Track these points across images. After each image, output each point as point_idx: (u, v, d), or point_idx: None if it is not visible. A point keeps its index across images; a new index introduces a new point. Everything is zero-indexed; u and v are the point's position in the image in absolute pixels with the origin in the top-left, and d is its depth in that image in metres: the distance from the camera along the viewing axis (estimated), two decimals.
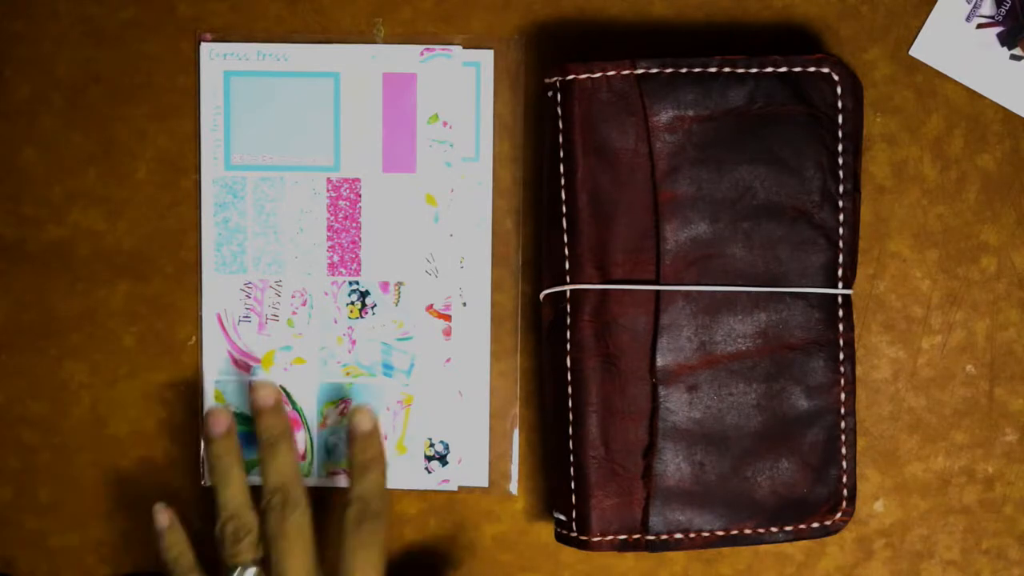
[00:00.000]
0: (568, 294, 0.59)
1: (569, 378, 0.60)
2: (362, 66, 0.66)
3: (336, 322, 0.66)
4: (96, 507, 0.68)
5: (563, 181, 0.60)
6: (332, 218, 0.66)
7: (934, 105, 0.66)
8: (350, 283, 0.66)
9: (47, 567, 0.68)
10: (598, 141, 0.59)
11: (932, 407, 0.67)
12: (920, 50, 0.66)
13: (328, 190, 0.66)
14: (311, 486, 0.66)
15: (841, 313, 0.60)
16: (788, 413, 0.59)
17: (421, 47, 0.65)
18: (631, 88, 0.58)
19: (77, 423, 0.67)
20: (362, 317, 0.66)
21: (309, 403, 0.67)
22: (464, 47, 0.65)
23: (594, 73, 0.59)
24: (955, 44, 0.65)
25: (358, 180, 0.66)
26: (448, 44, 0.65)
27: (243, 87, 0.66)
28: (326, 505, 0.67)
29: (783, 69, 0.59)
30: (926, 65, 0.66)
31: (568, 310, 0.60)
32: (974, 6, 0.65)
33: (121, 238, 0.67)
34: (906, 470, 0.67)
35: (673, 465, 0.59)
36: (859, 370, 0.66)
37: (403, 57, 0.65)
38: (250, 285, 0.66)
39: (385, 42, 0.66)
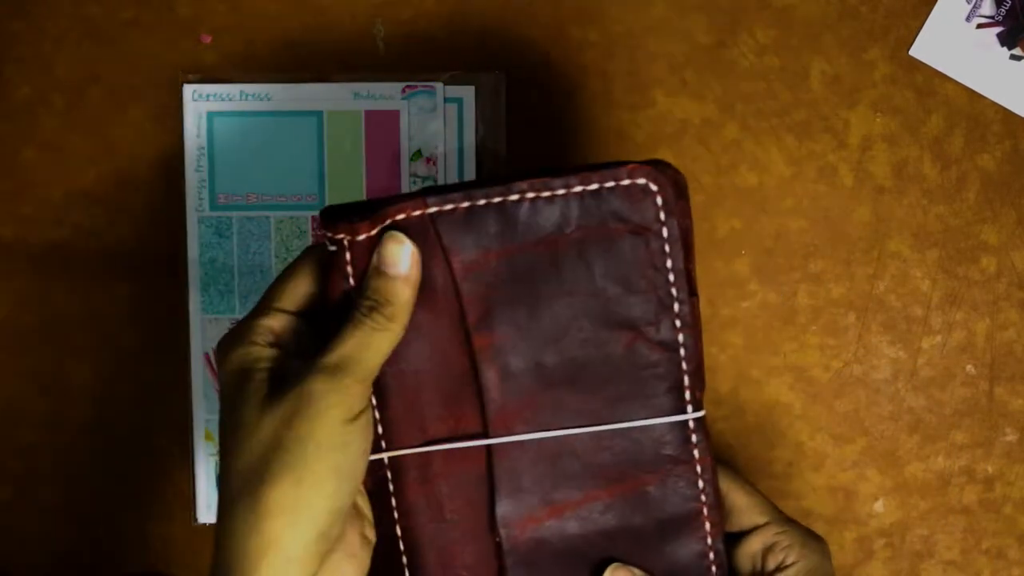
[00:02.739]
0: (386, 461, 0.53)
1: (402, 547, 0.53)
2: (345, 104, 0.66)
3: None
4: (96, 507, 0.68)
5: None
6: None
7: (934, 105, 0.66)
8: None
9: (47, 567, 0.68)
10: None
11: (932, 407, 0.67)
12: (920, 50, 0.66)
13: (313, 228, 0.66)
14: None
15: (695, 438, 0.52)
16: (650, 552, 0.53)
17: (403, 84, 0.65)
18: (427, 228, 0.51)
19: (77, 423, 0.67)
20: None
21: None
22: (446, 84, 0.65)
23: (384, 221, 0.51)
24: (955, 44, 0.65)
25: None
26: (430, 81, 0.65)
27: (227, 127, 0.66)
28: None
29: (594, 186, 0.51)
30: (926, 65, 0.66)
31: (389, 477, 0.53)
32: (974, 6, 0.65)
33: (121, 238, 0.67)
34: (906, 470, 0.67)
35: None
36: (859, 370, 0.67)
37: (385, 94, 0.66)
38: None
39: (385, 43, 0.66)
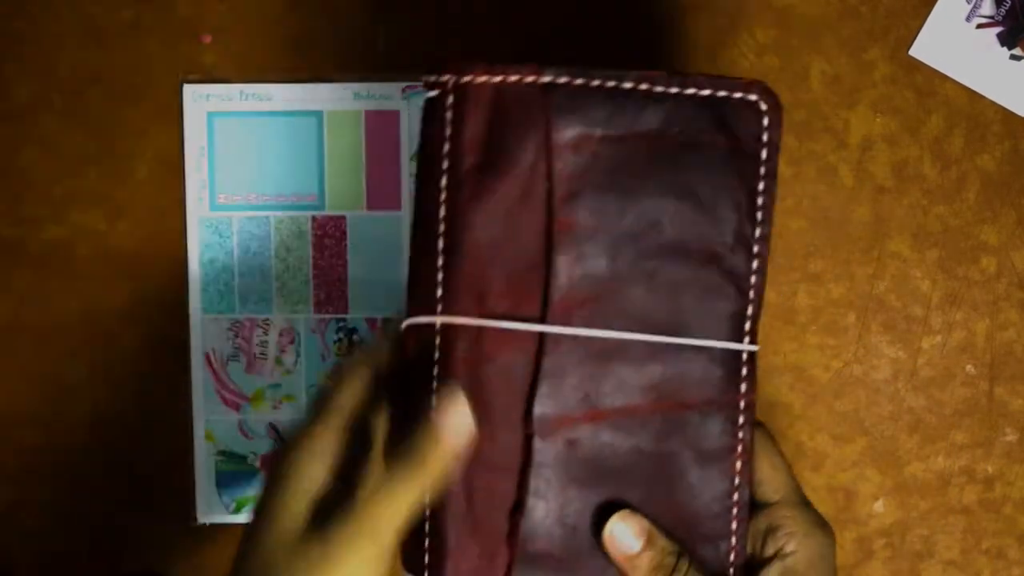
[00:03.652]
0: (438, 326, 0.52)
1: None
2: (345, 104, 0.66)
3: (324, 359, 0.67)
4: (96, 507, 0.68)
5: (443, 195, 0.52)
6: (318, 256, 0.66)
7: (934, 105, 0.66)
8: (337, 320, 0.66)
9: (47, 567, 0.68)
10: (491, 155, 0.51)
11: (932, 407, 0.67)
12: (920, 50, 0.66)
13: (313, 228, 0.66)
14: None
15: (745, 372, 0.52)
16: (677, 480, 0.53)
17: (403, 84, 0.65)
18: (535, 98, 0.51)
19: (77, 423, 0.67)
20: (349, 355, 0.66)
21: None
22: None
23: (495, 77, 0.51)
24: (955, 44, 0.65)
25: (343, 218, 0.66)
26: None
27: (227, 128, 0.66)
28: None
29: (706, 92, 0.51)
30: (926, 65, 0.66)
31: (437, 343, 0.52)
32: (974, 6, 0.65)
33: (121, 238, 0.67)
34: (906, 470, 0.67)
35: (543, 528, 0.52)
36: (859, 370, 0.67)
37: (385, 94, 0.66)
38: (238, 324, 0.67)
39: (385, 43, 0.66)
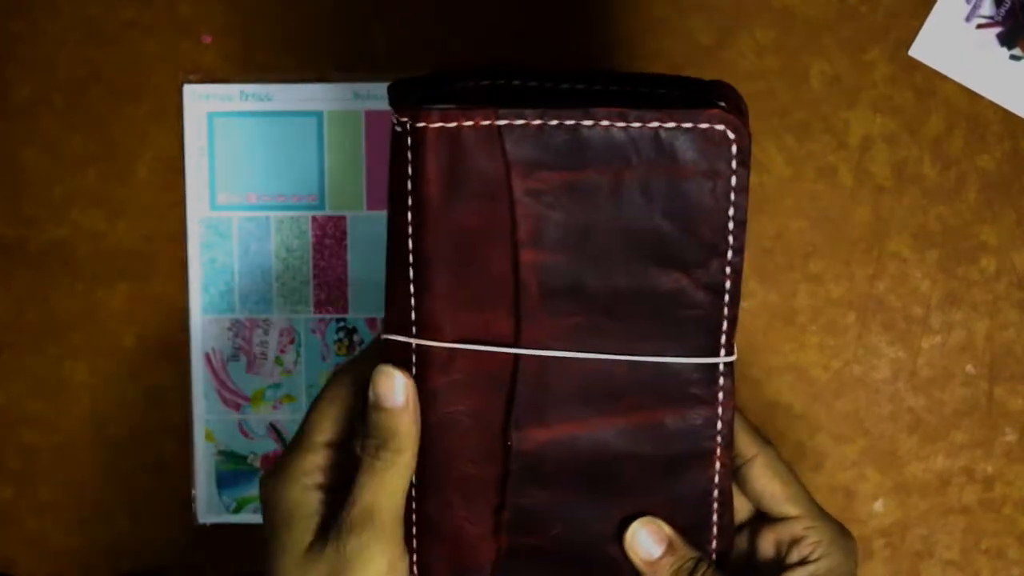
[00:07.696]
0: (413, 346, 0.53)
1: None
2: (345, 104, 0.66)
3: (324, 359, 0.67)
4: (96, 507, 0.68)
5: (410, 230, 0.53)
6: (318, 256, 0.66)
7: (934, 105, 0.66)
8: (337, 320, 0.67)
9: (47, 567, 0.68)
10: (453, 192, 0.51)
11: (932, 407, 0.67)
12: (920, 50, 0.66)
13: (313, 228, 0.66)
14: None
15: (723, 381, 0.53)
16: (655, 486, 0.54)
17: None
18: (492, 140, 0.51)
19: (77, 423, 0.67)
20: (350, 354, 0.66)
21: None
22: None
23: (448, 123, 0.50)
24: (955, 44, 0.65)
25: (343, 218, 0.66)
26: None
27: (227, 128, 0.66)
28: None
29: (671, 124, 0.50)
30: (926, 65, 0.66)
31: (414, 361, 0.53)
32: (974, 6, 0.65)
33: (121, 238, 0.67)
34: (906, 470, 0.67)
35: (527, 527, 0.54)
36: (859, 370, 0.67)
37: (385, 95, 0.66)
38: (238, 324, 0.67)
39: (385, 43, 0.66)
